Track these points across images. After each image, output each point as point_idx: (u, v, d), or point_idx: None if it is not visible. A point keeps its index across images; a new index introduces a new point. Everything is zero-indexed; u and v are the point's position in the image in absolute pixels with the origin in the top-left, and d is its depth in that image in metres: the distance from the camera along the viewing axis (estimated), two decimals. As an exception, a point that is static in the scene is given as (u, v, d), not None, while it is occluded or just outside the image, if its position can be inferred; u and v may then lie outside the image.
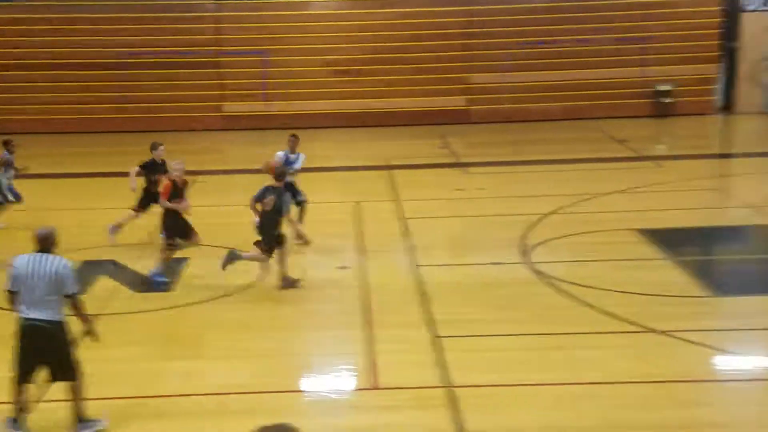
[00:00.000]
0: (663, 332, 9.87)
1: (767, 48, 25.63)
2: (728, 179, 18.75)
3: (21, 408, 7.67)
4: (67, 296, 7.54)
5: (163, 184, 12.19)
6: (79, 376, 7.68)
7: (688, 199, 16.30)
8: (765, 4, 25.66)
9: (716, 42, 25.94)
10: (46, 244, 7.61)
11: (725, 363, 9.40)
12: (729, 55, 26.30)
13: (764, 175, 19.21)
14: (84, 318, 7.73)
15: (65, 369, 7.61)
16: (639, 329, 9.99)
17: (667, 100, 25.66)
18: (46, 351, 7.53)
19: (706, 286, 11.48)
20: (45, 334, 7.48)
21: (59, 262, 7.53)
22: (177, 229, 11.93)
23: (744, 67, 25.94)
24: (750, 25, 25.73)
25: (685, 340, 9.70)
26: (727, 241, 14.20)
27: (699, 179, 18.13)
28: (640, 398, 8.34)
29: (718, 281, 11.95)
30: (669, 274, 12.01)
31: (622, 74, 25.59)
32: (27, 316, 7.47)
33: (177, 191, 11.89)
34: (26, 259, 7.56)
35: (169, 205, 11.78)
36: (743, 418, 8.07)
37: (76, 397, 7.69)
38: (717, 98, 26.42)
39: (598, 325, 10.19)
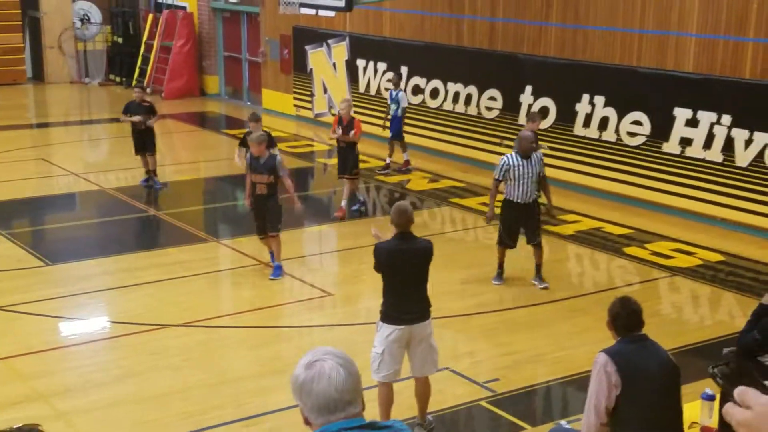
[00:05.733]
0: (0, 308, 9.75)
1: (68, 18, 26.19)
2: (48, 148, 18.91)
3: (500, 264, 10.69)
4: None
5: None
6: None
7: (11, 171, 16.08)
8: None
9: (18, 11, 25.73)
10: (527, 147, 10.20)
11: (63, 329, 9.62)
12: (32, 24, 26.29)
13: (81, 142, 19.88)
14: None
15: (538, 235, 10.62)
16: (-26, 309, 9.70)
17: (-23, 70, 24.80)
18: (527, 222, 10.46)
19: (39, 257, 11.58)
20: (526, 210, 10.35)
21: (541, 155, 10.50)
22: None
23: (49, 37, 26.16)
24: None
25: (22, 312, 9.70)
26: (56, 210, 14.42)
27: (19, 150, 17.97)
28: (-17, 379, 8.16)
29: (51, 250, 12.15)
30: (1, 248, 11.82)
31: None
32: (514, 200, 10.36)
33: None
34: (515, 160, 10.22)
35: None
36: (83, 380, 8.39)
37: (540, 256, 10.59)
38: (26, 68, 26.32)
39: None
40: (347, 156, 13.22)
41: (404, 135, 16.31)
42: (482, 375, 8.33)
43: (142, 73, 25.05)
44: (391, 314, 7.05)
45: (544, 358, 8.76)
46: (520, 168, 10.23)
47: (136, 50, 25.56)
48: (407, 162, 16.40)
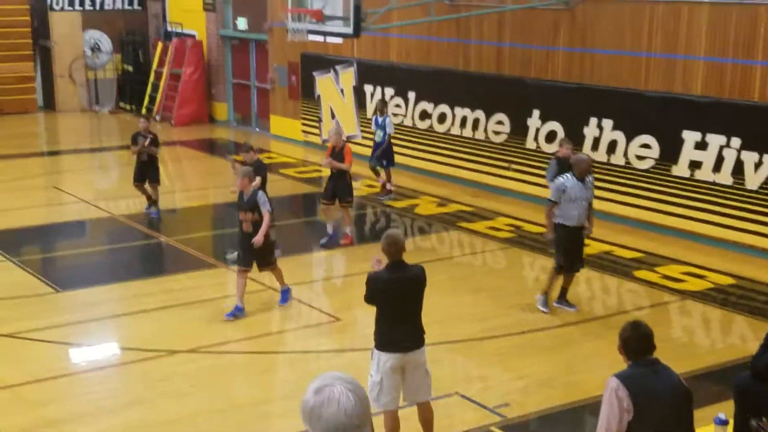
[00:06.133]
0: (7, 335, 9.73)
1: (79, 47, 26.37)
2: (60, 176, 18.99)
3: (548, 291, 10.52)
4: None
5: None
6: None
7: (22, 199, 16.14)
8: (70, 5, 26.27)
9: (29, 40, 25.93)
10: (586, 169, 10.33)
11: (74, 356, 9.59)
12: (43, 53, 26.48)
13: (92, 170, 19.97)
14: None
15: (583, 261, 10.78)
16: (-17, 336, 9.70)
17: (-12, 99, 24.94)
18: (579, 246, 10.57)
19: (49, 283, 11.59)
20: (578, 234, 10.45)
21: (593, 180, 10.63)
22: None
23: (59, 66, 26.33)
24: (59, 24, 26.15)
25: (32, 339, 9.70)
26: (67, 237, 14.45)
27: (31, 178, 18.05)
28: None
29: (61, 277, 12.16)
30: (11, 276, 11.84)
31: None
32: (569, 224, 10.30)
33: None
34: (572, 181, 10.20)
35: None
36: (92, 407, 8.37)
37: (571, 281, 10.65)
38: (37, 96, 26.48)
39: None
40: (338, 183, 13.22)
41: (395, 157, 16.19)
42: (492, 400, 8.27)
43: (152, 101, 25.18)
44: (386, 342, 7.03)
45: (555, 382, 8.70)
46: (576, 190, 10.25)
47: (146, 78, 25.70)
48: (384, 185, 16.21)
